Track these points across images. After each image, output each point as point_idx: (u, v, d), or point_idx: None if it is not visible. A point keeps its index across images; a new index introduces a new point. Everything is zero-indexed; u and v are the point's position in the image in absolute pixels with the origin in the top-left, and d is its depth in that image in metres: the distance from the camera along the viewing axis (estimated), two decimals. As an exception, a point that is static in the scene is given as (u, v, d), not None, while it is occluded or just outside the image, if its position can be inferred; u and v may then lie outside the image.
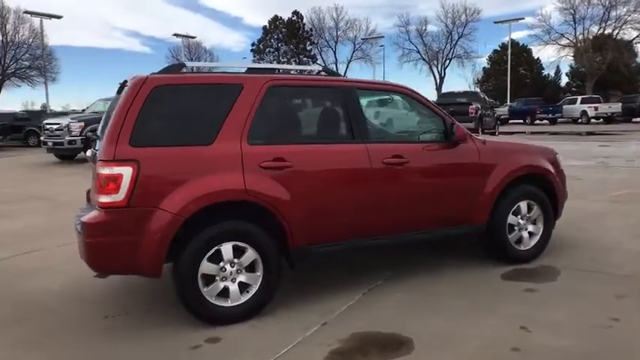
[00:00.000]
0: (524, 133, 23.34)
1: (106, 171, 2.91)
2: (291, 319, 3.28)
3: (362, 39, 52.22)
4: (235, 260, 3.20)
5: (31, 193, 8.88)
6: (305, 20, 52.53)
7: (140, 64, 65.55)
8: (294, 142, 3.41)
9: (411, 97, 4.00)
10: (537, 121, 32.72)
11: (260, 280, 3.28)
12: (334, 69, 53.89)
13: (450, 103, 18.71)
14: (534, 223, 4.33)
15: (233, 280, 3.22)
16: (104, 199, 2.92)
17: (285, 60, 51.85)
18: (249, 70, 3.57)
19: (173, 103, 3.16)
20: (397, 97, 4.15)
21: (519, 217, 4.23)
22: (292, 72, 4.06)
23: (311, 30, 52.44)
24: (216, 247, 3.13)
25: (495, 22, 42.31)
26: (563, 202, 4.53)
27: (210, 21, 79.20)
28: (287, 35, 51.71)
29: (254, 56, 51.67)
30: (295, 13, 52.45)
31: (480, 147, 4.04)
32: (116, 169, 2.90)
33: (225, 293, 3.20)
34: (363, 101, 4.18)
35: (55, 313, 3.49)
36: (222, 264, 3.17)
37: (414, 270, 4.16)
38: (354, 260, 4.46)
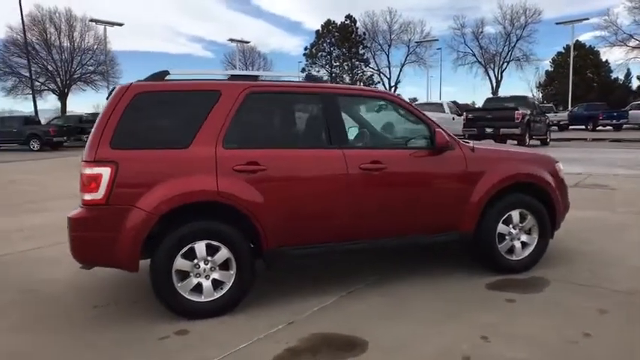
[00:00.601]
0: (585, 139, 22.19)
1: (87, 171, 3.18)
2: (261, 317, 3.41)
3: (416, 42, 51.66)
4: (209, 258, 3.37)
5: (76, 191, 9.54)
6: (358, 24, 52.64)
7: (199, 67, 67.83)
8: (269, 146, 3.54)
9: (395, 103, 4.02)
10: (600, 127, 30.90)
11: (233, 278, 3.43)
12: (388, 73, 54.00)
13: (495, 109, 18.18)
14: (528, 233, 4.21)
15: (207, 277, 3.39)
16: (86, 196, 3.18)
17: (337, 64, 52.19)
18: (232, 77, 3.74)
19: (153, 109, 3.39)
20: (381, 104, 4.17)
21: (511, 226, 4.13)
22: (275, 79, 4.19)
23: (364, 34, 52.45)
24: (189, 245, 3.31)
25: (557, 24, 40.51)
26: (562, 212, 4.38)
27: (270, 26, 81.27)
28: (340, 39, 51.99)
29: (307, 61, 52.42)
30: (348, 17, 52.71)
31: (467, 154, 3.99)
32: (96, 170, 3.16)
33: (198, 289, 3.38)
34: (362, 108, 4.27)
35: (51, 301, 3.81)
36: (196, 261, 3.35)
37: (399, 275, 4.17)
38: (341, 263, 4.52)
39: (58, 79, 35.16)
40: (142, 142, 3.31)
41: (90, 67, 35.91)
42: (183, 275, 3.35)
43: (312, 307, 3.56)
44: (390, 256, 4.72)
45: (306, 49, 52.51)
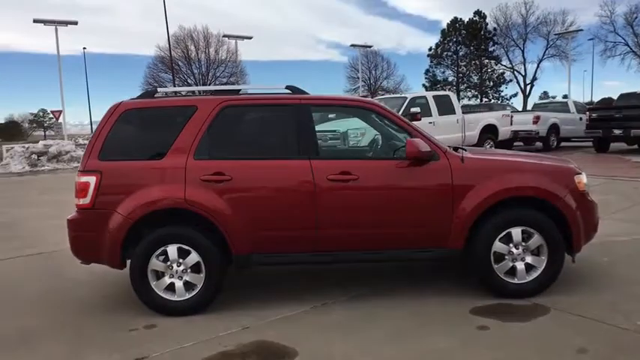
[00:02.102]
0: None
1: (78, 179, 3.67)
2: (225, 319, 3.58)
3: (555, 34, 47.04)
4: (180, 260, 3.65)
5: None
6: (488, 19, 49.69)
7: (334, 73, 69.27)
8: (237, 157, 3.70)
9: (376, 112, 3.88)
10: None
11: (203, 281, 3.66)
12: (523, 70, 49.95)
13: (628, 106, 15.83)
14: (536, 254, 3.75)
15: (180, 278, 3.67)
16: (78, 201, 3.68)
17: (463, 64, 49.84)
18: (214, 92, 3.97)
19: (138, 124, 3.78)
20: (361, 113, 4.04)
21: (511, 245, 3.72)
22: (256, 92, 4.30)
23: (494, 29, 49.34)
24: (163, 248, 3.62)
25: None
26: (584, 232, 3.80)
27: (407, 27, 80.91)
28: (467, 37, 49.60)
29: (431, 62, 50.92)
30: (477, 12, 49.99)
31: (454, 166, 3.69)
32: (84, 178, 3.63)
33: (172, 288, 3.67)
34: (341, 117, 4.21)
35: (60, 293, 4.31)
36: (169, 262, 3.65)
37: (388, 291, 4.03)
38: (334, 273, 4.49)
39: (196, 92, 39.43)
40: (125, 153, 3.71)
41: (223, 79, 39.50)
42: (158, 275, 3.67)
43: (276, 315, 3.63)
44: (389, 270, 4.55)
45: (430, 49, 51.07)
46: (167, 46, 34.57)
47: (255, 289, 4.23)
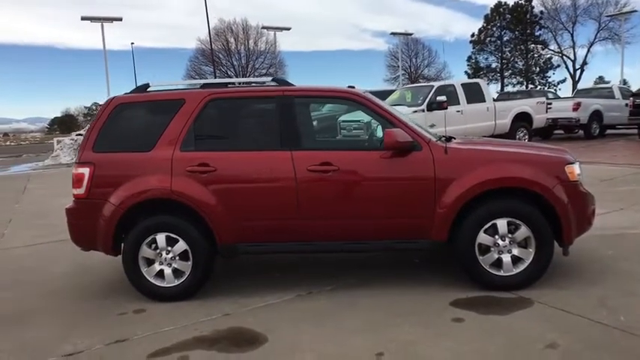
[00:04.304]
0: None
1: (74, 171, 3.88)
2: (208, 305, 3.71)
3: (607, 16, 44.49)
4: (169, 248, 3.80)
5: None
6: (534, 2, 47.57)
7: (378, 61, 67.31)
8: (221, 149, 3.79)
9: (360, 102, 3.85)
10: None
11: (190, 268, 3.80)
12: (572, 54, 47.59)
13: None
14: (524, 246, 3.65)
15: (169, 265, 3.83)
16: (75, 191, 3.89)
17: (508, 49, 48.02)
18: (204, 86, 4.07)
19: (130, 117, 3.94)
20: (346, 104, 4.02)
21: (497, 237, 3.64)
22: (242, 84, 4.34)
23: (541, 13, 47.20)
24: (152, 236, 3.78)
25: None
26: (577, 224, 3.66)
27: (454, 12, 78.85)
28: (511, 22, 47.71)
29: (473, 48, 49.37)
30: (523, -4, 47.93)
31: (437, 157, 3.64)
32: (79, 170, 3.84)
33: (161, 275, 3.83)
34: (326, 107, 4.21)
35: (69, 277, 4.60)
36: (158, 250, 3.81)
37: (371, 281, 4.03)
38: (326, 263, 4.53)
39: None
40: (117, 145, 3.88)
41: (262, 71, 39.93)
42: (149, 262, 3.83)
43: (261, 302, 3.72)
44: (379, 261, 4.54)
45: (472, 35, 49.50)
46: (207, 39, 35.30)
47: (245, 277, 4.35)
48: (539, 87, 46.25)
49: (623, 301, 3.36)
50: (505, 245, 3.64)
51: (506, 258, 3.65)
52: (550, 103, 16.26)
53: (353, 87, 4.15)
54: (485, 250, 3.66)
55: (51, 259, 5.24)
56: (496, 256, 3.66)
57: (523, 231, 3.61)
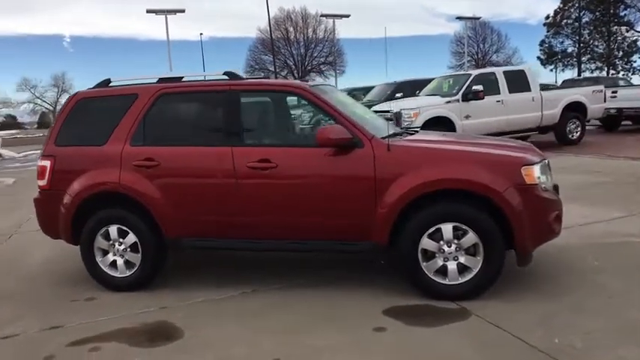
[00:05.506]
0: None
1: (38, 162, 4.09)
2: (152, 297, 3.80)
3: None
4: (121, 240, 3.92)
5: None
6: (620, -20, 43.41)
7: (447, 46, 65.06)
8: (166, 144, 3.82)
9: (305, 97, 3.71)
10: None
11: (140, 260, 3.90)
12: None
13: None
14: (472, 254, 3.38)
15: (121, 256, 3.95)
16: (39, 183, 4.10)
17: (586, 32, 44.35)
18: (160, 80, 4.10)
19: (89, 112, 4.07)
20: (291, 98, 3.88)
21: (442, 242, 3.39)
22: (198, 79, 4.28)
23: (627, -9, 43.03)
24: (105, 228, 3.92)
25: None
26: (535, 232, 3.33)
27: None
28: (592, 1, 43.95)
29: (547, 31, 46.13)
30: (607, -27, 43.92)
31: (378, 154, 3.44)
32: (42, 162, 4.04)
33: (115, 265, 3.97)
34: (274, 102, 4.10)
35: (48, 264, 4.81)
36: (111, 241, 3.94)
37: (316, 283, 3.92)
38: (277, 263, 4.46)
39: (295, 72, 40.35)
40: (77, 140, 4.04)
41: (321, 59, 39.98)
42: (104, 252, 3.98)
43: (202, 297, 3.75)
44: (335, 262, 4.36)
45: (547, 17, 46.11)
46: (267, 28, 35.82)
47: (203, 271, 4.38)
48: (621, 73, 42.52)
49: (569, 319, 3.03)
50: (451, 252, 3.39)
51: (452, 265, 3.40)
52: (615, 92, 14.88)
53: (307, 80, 4.02)
54: (430, 256, 3.43)
55: (37, 247, 5.37)
56: (441, 262, 3.41)
57: (470, 237, 3.34)
